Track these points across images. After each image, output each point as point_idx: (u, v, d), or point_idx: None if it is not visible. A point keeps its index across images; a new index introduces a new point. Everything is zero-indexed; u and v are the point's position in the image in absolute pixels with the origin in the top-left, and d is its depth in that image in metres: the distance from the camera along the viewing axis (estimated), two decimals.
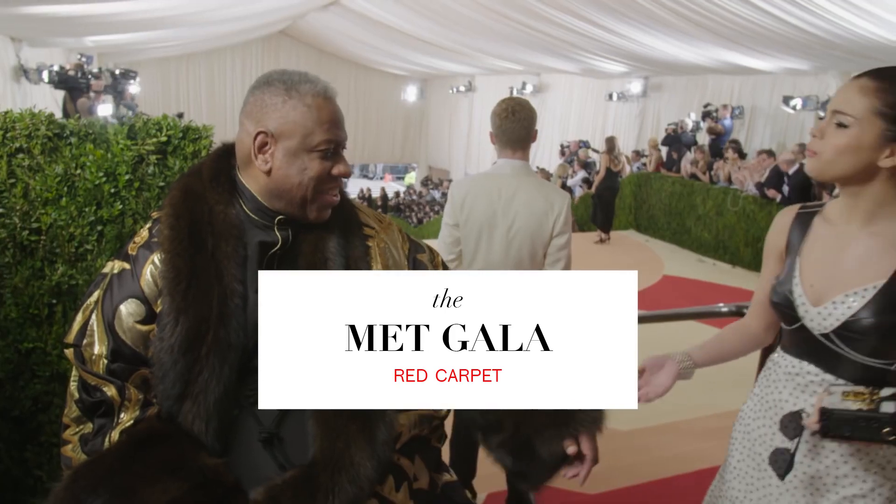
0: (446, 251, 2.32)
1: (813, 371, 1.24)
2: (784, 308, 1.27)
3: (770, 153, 8.01)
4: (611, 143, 9.17)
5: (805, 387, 1.25)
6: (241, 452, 1.08)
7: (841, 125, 1.14)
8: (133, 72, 9.31)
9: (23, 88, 8.62)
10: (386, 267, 1.20)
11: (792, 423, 1.25)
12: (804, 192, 7.11)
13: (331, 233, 1.15)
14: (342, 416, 1.05)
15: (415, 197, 18.43)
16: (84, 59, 9.15)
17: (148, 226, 1.15)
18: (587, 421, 1.14)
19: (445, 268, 1.35)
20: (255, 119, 1.08)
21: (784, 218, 1.34)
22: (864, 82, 1.14)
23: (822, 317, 1.20)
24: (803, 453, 1.24)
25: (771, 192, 7.26)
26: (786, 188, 7.14)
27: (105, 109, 7.73)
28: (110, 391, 1.10)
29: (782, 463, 1.23)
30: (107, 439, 1.09)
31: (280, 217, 1.11)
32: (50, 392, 1.76)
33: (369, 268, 1.17)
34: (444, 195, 17.01)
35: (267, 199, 1.11)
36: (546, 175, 10.80)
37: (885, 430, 1.06)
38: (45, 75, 8.26)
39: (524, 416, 1.14)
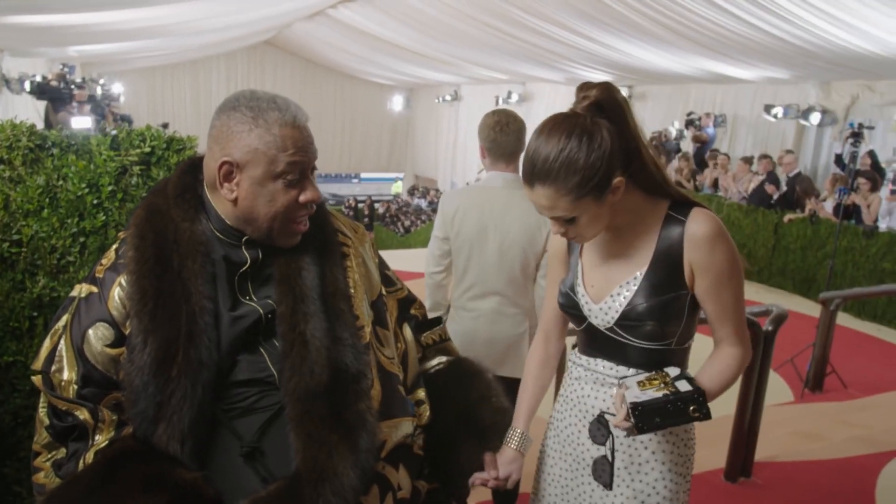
0: (434, 263, 2.32)
1: (606, 366, 1.29)
2: (570, 309, 1.32)
3: (748, 160, 8.18)
4: None
5: (602, 381, 1.30)
6: (222, 468, 1.06)
7: (570, 221, 1.19)
8: (111, 93, 9.20)
9: (4, 98, 8.54)
10: (361, 278, 1.20)
11: (600, 429, 1.28)
12: (792, 194, 7.31)
13: (305, 242, 1.13)
14: (323, 426, 1.04)
15: (401, 205, 18.42)
16: (66, 69, 9.08)
17: (115, 246, 1.13)
18: (497, 438, 1.33)
19: (411, 293, 1.39)
20: (221, 146, 1.05)
21: None
22: (545, 192, 1.15)
23: (603, 312, 1.26)
24: (623, 467, 1.27)
25: (770, 188, 7.59)
26: (784, 187, 7.55)
27: (81, 122, 7.36)
28: (83, 415, 1.08)
29: (605, 473, 1.27)
30: (81, 462, 1.07)
31: (247, 237, 1.10)
32: (30, 406, 1.73)
33: (345, 278, 1.16)
34: (431, 203, 17.04)
35: (233, 222, 1.09)
36: None
37: (692, 407, 1.09)
38: (27, 85, 8.19)
39: (457, 427, 1.29)
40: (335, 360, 1.07)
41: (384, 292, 1.29)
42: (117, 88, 14.17)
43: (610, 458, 1.27)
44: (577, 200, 1.15)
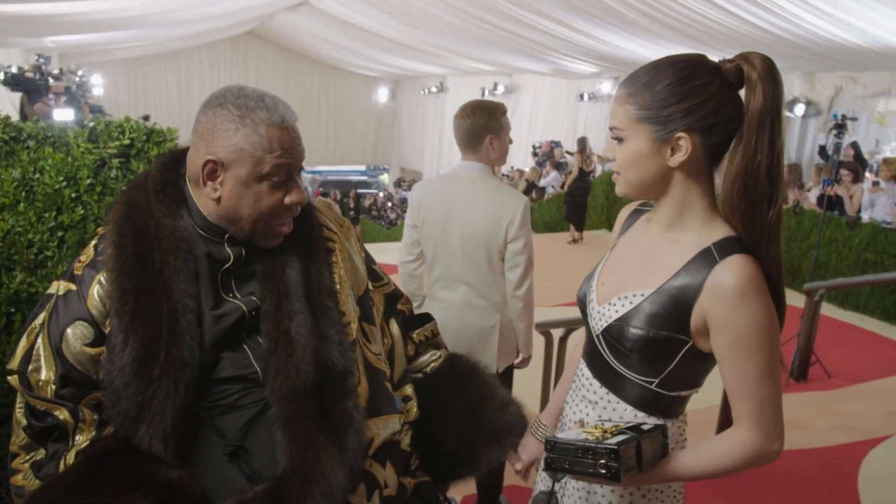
0: (406, 252, 2.31)
1: (586, 374, 1.19)
2: (581, 302, 1.21)
3: None
4: (582, 143, 9.26)
5: (578, 390, 1.21)
6: (206, 467, 1.04)
7: (618, 140, 1.08)
8: (86, 84, 9.04)
9: None
10: (347, 273, 1.18)
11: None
12: None
13: (289, 238, 1.11)
14: (310, 425, 1.03)
15: (385, 198, 18.37)
16: (42, 60, 8.89)
17: (94, 243, 1.10)
18: (516, 435, 1.32)
19: (398, 288, 1.37)
20: (206, 143, 1.02)
21: (623, 212, 1.29)
22: (619, 91, 1.09)
23: (600, 315, 1.13)
24: (577, 499, 1.17)
25: None
26: None
27: (64, 114, 7.28)
28: (62, 415, 1.05)
29: None
30: (62, 463, 1.05)
31: (229, 234, 1.08)
32: (9, 405, 1.69)
33: (331, 274, 1.14)
34: None
35: (216, 220, 1.07)
36: (519, 174, 10.85)
37: (601, 461, 0.98)
38: (1, 76, 8.01)
39: (467, 430, 1.28)
40: (321, 358, 1.05)
41: (371, 287, 1.27)
42: (96, 80, 13.94)
43: (554, 498, 1.15)
44: (634, 119, 1.04)
